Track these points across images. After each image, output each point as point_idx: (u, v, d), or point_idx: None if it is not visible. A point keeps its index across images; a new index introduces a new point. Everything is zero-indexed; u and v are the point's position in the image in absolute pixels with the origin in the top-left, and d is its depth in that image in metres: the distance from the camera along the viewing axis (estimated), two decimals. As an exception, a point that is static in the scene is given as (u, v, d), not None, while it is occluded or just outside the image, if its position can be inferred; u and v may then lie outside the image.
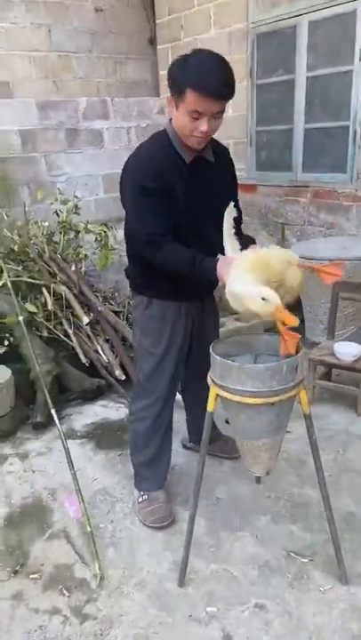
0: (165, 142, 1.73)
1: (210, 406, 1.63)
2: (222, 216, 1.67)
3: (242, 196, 4.90)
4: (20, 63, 4.87)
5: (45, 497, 2.26)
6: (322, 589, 1.73)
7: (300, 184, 4.18)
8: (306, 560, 1.85)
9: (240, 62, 4.41)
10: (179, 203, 1.72)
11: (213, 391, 1.60)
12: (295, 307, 3.93)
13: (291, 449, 2.46)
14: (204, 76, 1.56)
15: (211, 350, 1.61)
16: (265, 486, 2.20)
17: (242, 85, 4.46)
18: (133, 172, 1.73)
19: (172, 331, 1.96)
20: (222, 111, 1.65)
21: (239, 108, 4.56)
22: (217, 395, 1.58)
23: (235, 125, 4.65)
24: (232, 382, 1.52)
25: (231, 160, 1.96)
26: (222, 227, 1.69)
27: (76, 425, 2.81)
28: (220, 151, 1.89)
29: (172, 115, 1.70)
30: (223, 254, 1.67)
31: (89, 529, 1.94)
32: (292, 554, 1.88)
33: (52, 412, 2.33)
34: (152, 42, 5.52)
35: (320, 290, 3.41)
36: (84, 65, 5.28)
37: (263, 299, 1.44)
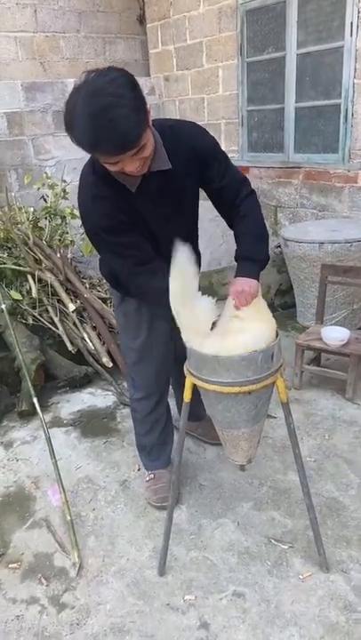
0: (105, 175, 1.46)
1: (186, 396, 1.60)
2: (189, 220, 1.67)
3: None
4: (6, 44, 4.77)
5: (28, 485, 2.25)
6: (301, 577, 1.72)
7: (293, 165, 4.11)
8: (286, 547, 1.84)
9: (230, 39, 4.30)
10: (139, 229, 1.58)
11: (190, 381, 1.57)
12: (286, 291, 3.90)
13: (276, 435, 2.44)
14: (87, 138, 1.28)
15: (184, 339, 1.57)
16: (248, 473, 2.19)
17: (232, 64, 4.36)
18: (86, 217, 1.56)
19: (151, 324, 1.89)
20: (143, 145, 1.34)
21: (230, 87, 4.47)
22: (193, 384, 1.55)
23: (226, 105, 4.57)
24: (207, 373, 1.49)
25: (198, 144, 1.57)
26: (189, 218, 1.66)
27: (62, 413, 2.80)
28: (180, 147, 1.53)
29: None
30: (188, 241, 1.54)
31: (69, 518, 1.93)
32: (273, 540, 1.87)
33: (34, 400, 2.31)
34: (141, 20, 5.39)
35: (311, 274, 3.37)
36: (72, 45, 5.17)
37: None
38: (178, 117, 5.14)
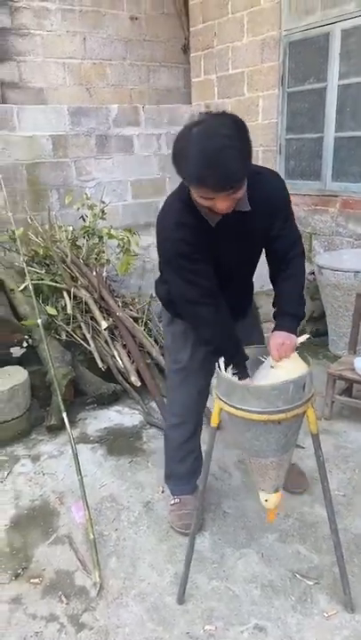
0: (190, 205, 1.57)
1: (213, 421, 1.60)
2: (254, 265, 1.82)
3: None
4: (55, 70, 4.98)
5: (53, 500, 2.26)
6: (326, 615, 1.66)
7: (329, 193, 4.11)
8: (311, 582, 1.79)
9: (272, 70, 4.38)
10: (211, 261, 1.66)
11: (218, 406, 1.57)
12: (318, 319, 3.86)
13: (304, 465, 2.39)
14: (197, 174, 1.38)
15: (217, 365, 1.58)
16: (274, 503, 2.14)
17: (273, 93, 4.43)
18: (169, 243, 1.63)
19: (194, 349, 1.92)
20: (238, 189, 1.43)
21: (269, 116, 4.53)
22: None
23: (265, 133, 4.62)
24: (237, 400, 1.49)
25: (275, 195, 1.68)
26: (255, 260, 1.81)
27: (89, 429, 2.82)
28: (260, 191, 1.60)
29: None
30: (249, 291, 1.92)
31: (92, 536, 1.92)
32: (298, 575, 1.82)
33: (64, 415, 2.34)
34: (186, 50, 5.55)
35: (345, 302, 3.33)
36: (118, 72, 5.35)
37: (266, 500, 1.65)
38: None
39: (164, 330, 2.13)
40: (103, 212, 4.01)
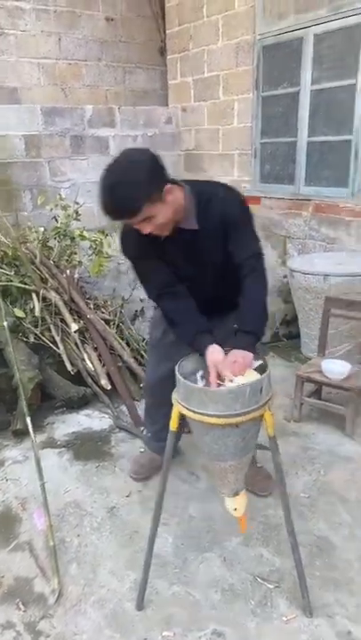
0: None
1: (172, 425, 1.59)
2: (218, 275, 1.80)
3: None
4: (29, 69, 4.94)
5: (15, 507, 2.22)
6: (285, 619, 1.66)
7: (303, 197, 4.14)
8: (272, 586, 1.78)
9: (247, 74, 4.40)
10: (168, 266, 1.79)
11: (177, 410, 1.55)
12: (291, 321, 3.88)
13: (270, 468, 2.38)
14: (101, 207, 1.54)
15: (176, 369, 1.57)
16: (239, 506, 2.13)
17: (248, 97, 4.45)
18: (121, 246, 1.85)
19: (165, 330, 2.03)
20: (150, 215, 1.55)
21: (244, 120, 4.55)
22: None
23: (240, 136, 4.64)
24: (195, 405, 1.48)
25: (228, 212, 1.71)
26: (227, 281, 1.78)
27: (57, 433, 2.78)
28: (211, 212, 1.70)
29: None
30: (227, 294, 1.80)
31: (51, 543, 1.89)
32: (259, 579, 1.81)
33: (27, 420, 2.30)
34: (162, 52, 5.55)
35: (315, 305, 3.35)
36: (93, 73, 5.33)
37: (235, 509, 1.65)
38: (194, 146, 5.23)
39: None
40: (77, 212, 3.97)
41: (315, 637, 1.59)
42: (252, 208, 4.16)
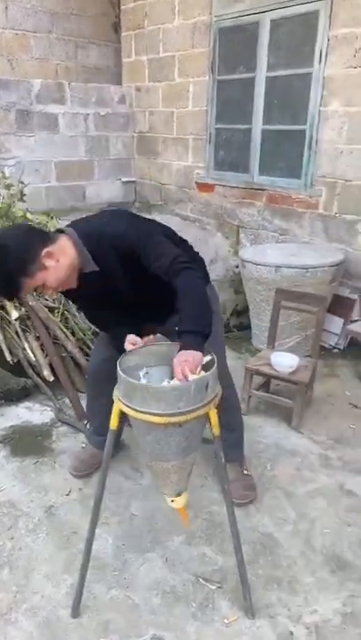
0: None
1: (112, 423, 1.49)
2: (141, 297, 1.77)
3: (199, 195, 4.78)
4: (-28, 37, 4.61)
5: None
6: (226, 621, 1.61)
7: (257, 187, 4.09)
8: (214, 587, 1.73)
9: (203, 56, 4.28)
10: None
11: (117, 407, 1.45)
12: (242, 312, 3.84)
13: (257, 475, 2.29)
14: None
15: (118, 364, 1.47)
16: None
17: (203, 80, 4.34)
18: None
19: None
20: (37, 287, 1.63)
21: (200, 103, 4.44)
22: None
23: (195, 121, 4.53)
24: (137, 403, 1.38)
25: (118, 246, 1.67)
26: (149, 300, 1.77)
27: (-7, 426, 2.62)
28: (103, 250, 1.68)
29: None
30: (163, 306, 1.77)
31: (-19, 547, 1.77)
32: (201, 579, 1.76)
33: None
34: (116, 28, 5.33)
35: (266, 297, 3.32)
36: (43, 45, 5.06)
37: (172, 500, 1.57)
38: (147, 128, 5.08)
39: None
40: (22, 193, 3.75)
41: (257, 638, 1.55)
42: (205, 196, 4.10)
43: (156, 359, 1.62)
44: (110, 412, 1.95)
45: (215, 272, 3.94)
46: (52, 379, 2.82)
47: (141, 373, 1.55)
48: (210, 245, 4.20)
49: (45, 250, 1.57)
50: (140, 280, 1.70)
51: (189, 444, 1.47)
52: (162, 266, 1.63)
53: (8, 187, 3.71)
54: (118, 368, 1.45)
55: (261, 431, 2.61)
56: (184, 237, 1.98)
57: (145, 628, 1.59)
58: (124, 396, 1.43)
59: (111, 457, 2.20)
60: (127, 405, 1.41)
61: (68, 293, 1.84)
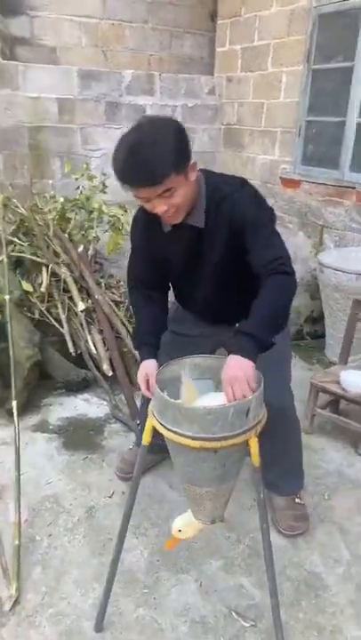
0: None
1: (145, 439, 1.40)
2: (223, 281, 1.66)
3: (283, 191, 4.52)
4: (69, 29, 4.67)
5: (-8, 494, 2.11)
6: (255, 666, 1.47)
7: (346, 184, 3.78)
8: (247, 624, 1.59)
9: (299, 44, 4.02)
10: (163, 265, 1.72)
11: (150, 422, 1.36)
12: (318, 319, 3.59)
13: (312, 503, 2.13)
14: (117, 166, 1.38)
15: (156, 375, 1.37)
16: (227, 525, 1.94)
17: (297, 70, 4.08)
18: (130, 229, 1.77)
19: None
20: (171, 188, 1.39)
21: (291, 94, 4.19)
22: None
23: (285, 112, 4.29)
24: (169, 421, 1.28)
25: (239, 215, 1.52)
26: (227, 290, 1.68)
27: (51, 417, 2.65)
28: (222, 210, 1.53)
29: None
30: (224, 307, 1.74)
31: (16, 542, 1.76)
32: (234, 613, 1.63)
33: (13, 404, 2.17)
34: (213, 17, 5.18)
35: (344, 306, 3.06)
36: (138, 36, 5.02)
37: (179, 530, 1.48)
38: (235, 120, 4.91)
39: None
40: (104, 184, 3.76)
41: None
42: (289, 192, 3.81)
43: (200, 371, 1.50)
44: None
45: (294, 274, 3.72)
46: (110, 373, 2.80)
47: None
48: (290, 245, 3.92)
49: (194, 161, 1.44)
50: (232, 262, 1.57)
51: (226, 472, 1.35)
52: (265, 257, 1.49)
53: (90, 178, 3.73)
54: (155, 379, 1.35)
55: (323, 454, 2.40)
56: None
57: (167, 658, 1.49)
58: (157, 411, 1.33)
59: (158, 462, 2.14)
60: (159, 422, 1.31)
61: (155, 236, 1.65)
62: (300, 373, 3.09)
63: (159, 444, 1.43)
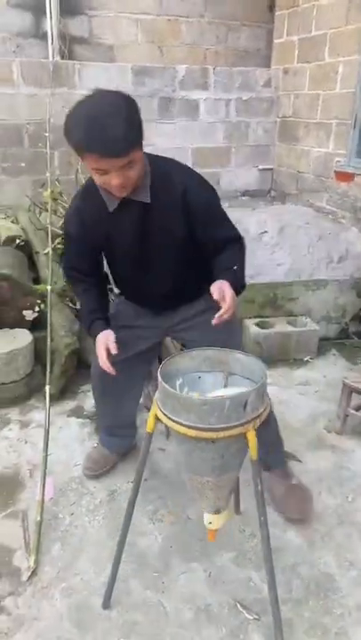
0: (93, 190, 1.60)
1: (149, 426, 1.44)
2: (171, 261, 1.69)
3: (336, 185, 4.40)
4: (127, 26, 4.78)
5: (24, 472, 2.23)
6: (253, 659, 1.48)
7: None
8: (251, 617, 1.60)
9: (356, 33, 3.88)
10: (104, 247, 1.74)
11: (154, 410, 1.39)
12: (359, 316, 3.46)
13: (305, 481, 2.14)
14: (82, 136, 1.36)
15: (161, 365, 1.40)
16: (243, 518, 1.95)
17: (354, 59, 3.93)
18: (64, 220, 1.85)
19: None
20: (132, 161, 1.41)
21: (348, 85, 4.05)
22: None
23: (341, 104, 4.15)
24: (169, 410, 1.31)
25: (191, 195, 1.58)
26: (175, 270, 1.72)
27: (87, 403, 2.75)
28: (169, 187, 1.57)
29: None
30: (173, 290, 1.76)
31: (38, 519, 1.87)
32: (240, 605, 1.64)
33: (46, 388, 2.29)
34: (271, 7, 5.09)
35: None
36: (194, 30, 5.03)
37: (210, 522, 1.51)
38: (291, 113, 4.81)
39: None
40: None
41: None
42: (343, 186, 3.75)
43: (211, 364, 1.52)
44: (118, 413, 2.08)
45: (343, 270, 3.62)
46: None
47: (178, 382, 1.46)
48: (340, 240, 3.85)
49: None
50: (181, 240, 1.65)
51: (225, 463, 1.36)
52: (223, 233, 1.67)
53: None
54: (159, 372, 1.38)
55: (353, 456, 2.34)
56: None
57: (168, 641, 1.53)
58: (159, 400, 1.37)
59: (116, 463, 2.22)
60: (161, 410, 1.34)
61: (100, 219, 1.64)
62: (340, 372, 3.01)
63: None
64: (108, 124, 1.33)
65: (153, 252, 1.67)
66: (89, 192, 1.63)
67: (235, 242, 1.68)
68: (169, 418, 1.31)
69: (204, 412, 1.25)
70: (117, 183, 1.43)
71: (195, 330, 1.83)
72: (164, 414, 1.33)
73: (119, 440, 2.22)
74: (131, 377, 1.94)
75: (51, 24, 4.36)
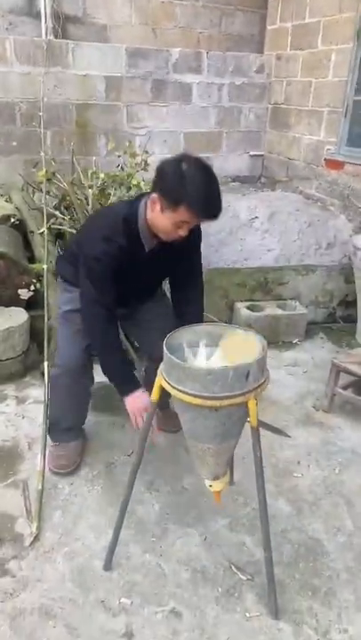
0: (132, 230, 1.75)
1: (154, 395, 1.50)
2: (160, 276, 2.11)
3: (326, 172, 4.46)
4: (121, 6, 4.74)
5: (23, 444, 2.29)
6: (248, 614, 1.58)
7: (390, 167, 3.70)
8: (245, 577, 1.69)
9: (349, 21, 3.92)
10: (126, 277, 1.81)
11: (159, 381, 1.46)
12: (351, 303, 3.57)
13: (282, 456, 2.26)
14: (205, 200, 1.59)
15: (166, 338, 1.47)
16: (237, 488, 2.04)
17: (347, 47, 3.98)
18: (95, 247, 1.75)
19: None
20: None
21: (340, 73, 4.10)
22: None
23: (333, 92, 4.21)
24: (174, 379, 1.38)
25: (195, 232, 1.82)
26: (157, 281, 2.15)
27: (83, 381, 2.80)
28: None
29: (154, 212, 1.67)
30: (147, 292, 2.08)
31: (40, 487, 1.93)
32: (233, 567, 1.73)
33: (45, 364, 2.34)
34: (266, -8, 5.09)
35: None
36: (188, 13, 5.02)
37: (210, 485, 1.61)
38: (283, 99, 4.86)
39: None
40: (146, 162, 3.85)
41: (274, 641, 1.50)
42: (333, 174, 3.86)
43: (211, 338, 1.58)
44: (85, 403, 2.19)
45: (331, 257, 3.72)
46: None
47: (202, 344, 1.53)
48: (329, 227, 3.94)
49: None
50: (175, 265, 1.94)
51: (226, 430, 1.44)
52: (199, 269, 2.06)
53: (133, 155, 3.83)
54: (165, 343, 1.44)
55: (340, 432, 2.45)
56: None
57: (166, 599, 1.62)
58: (165, 370, 1.43)
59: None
60: (166, 380, 1.41)
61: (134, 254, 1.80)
62: (327, 354, 3.12)
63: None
64: (220, 194, 1.60)
65: (154, 278, 2.04)
66: (131, 232, 1.75)
67: (201, 275, 2.05)
68: (173, 387, 1.38)
69: (209, 381, 1.32)
70: (184, 234, 1.68)
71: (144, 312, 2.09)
72: (169, 384, 1.40)
73: (77, 432, 2.24)
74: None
75: (44, 2, 4.31)
